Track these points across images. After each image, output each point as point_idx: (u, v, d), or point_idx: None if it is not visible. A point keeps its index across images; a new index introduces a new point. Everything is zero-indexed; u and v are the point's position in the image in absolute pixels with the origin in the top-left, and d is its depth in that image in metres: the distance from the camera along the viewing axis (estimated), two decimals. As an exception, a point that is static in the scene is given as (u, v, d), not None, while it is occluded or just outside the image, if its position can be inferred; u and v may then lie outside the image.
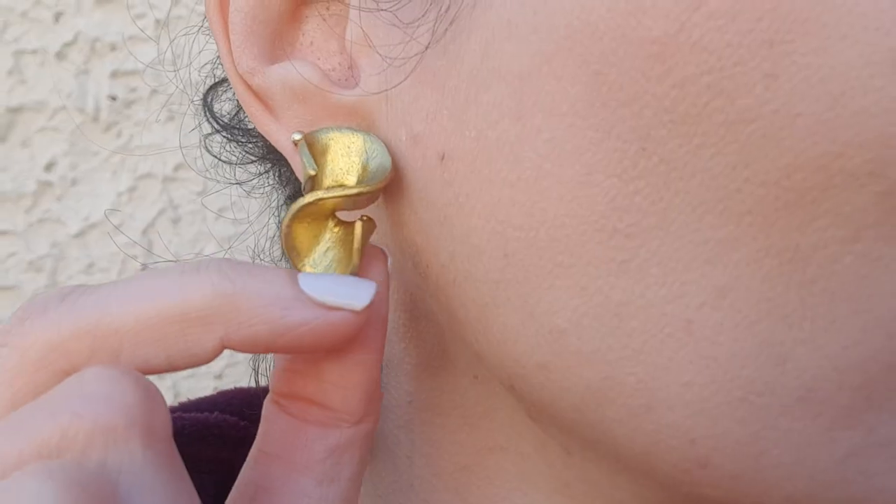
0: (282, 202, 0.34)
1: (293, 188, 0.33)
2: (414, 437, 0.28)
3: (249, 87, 0.25)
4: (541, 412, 0.24)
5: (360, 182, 0.24)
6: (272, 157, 0.33)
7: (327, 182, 0.24)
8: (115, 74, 0.54)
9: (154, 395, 0.20)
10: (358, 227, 0.24)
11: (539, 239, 0.21)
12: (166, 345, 0.21)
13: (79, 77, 0.54)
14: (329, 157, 0.24)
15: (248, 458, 0.24)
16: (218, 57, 0.33)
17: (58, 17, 0.54)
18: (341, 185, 0.24)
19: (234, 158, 0.35)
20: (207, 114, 0.34)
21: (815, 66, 0.19)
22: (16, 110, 0.54)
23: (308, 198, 0.23)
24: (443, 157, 0.23)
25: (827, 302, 0.20)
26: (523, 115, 0.21)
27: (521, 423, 0.26)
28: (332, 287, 0.22)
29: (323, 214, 0.24)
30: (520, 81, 0.21)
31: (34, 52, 0.54)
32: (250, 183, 0.35)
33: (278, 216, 0.35)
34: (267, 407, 0.24)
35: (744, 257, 0.20)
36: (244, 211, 0.38)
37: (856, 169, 0.19)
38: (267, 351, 0.22)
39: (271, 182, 0.34)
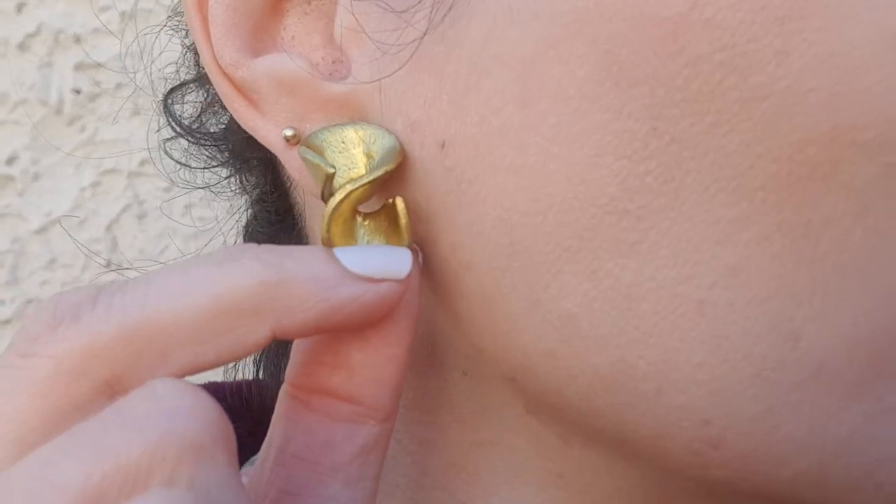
0: (245, 208, 0.34)
1: (258, 193, 0.32)
2: (400, 436, 0.28)
3: (231, 81, 0.25)
4: (542, 403, 0.24)
5: (369, 169, 0.23)
6: (235, 162, 0.32)
7: (339, 181, 0.24)
8: (79, 67, 0.53)
9: (222, 409, 0.19)
10: (400, 203, 0.23)
11: (546, 224, 0.21)
12: (216, 341, 0.20)
13: (42, 69, 0.53)
14: (328, 159, 0.24)
15: (262, 459, 0.23)
16: (181, 59, 0.33)
17: (20, 7, 0.52)
18: (359, 177, 0.23)
19: (197, 162, 0.34)
20: (168, 117, 0.33)
21: (824, 43, 0.19)
22: (-24, 102, 0.53)
23: (339, 195, 0.23)
24: (443, 145, 0.22)
25: (837, 277, 0.20)
26: (528, 100, 0.21)
27: (513, 418, 0.26)
28: (371, 259, 0.22)
29: (350, 211, 0.24)
30: (523, 67, 0.21)
31: (-5, 42, 0.53)
32: (217, 185, 0.35)
33: (246, 222, 0.35)
34: (285, 402, 0.23)
35: (755, 235, 0.20)
36: (211, 208, 0.38)
37: (867, 141, 0.19)
38: (317, 333, 0.21)
39: (233, 188, 0.34)
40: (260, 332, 0.20)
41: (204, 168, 0.34)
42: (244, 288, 0.20)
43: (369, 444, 0.23)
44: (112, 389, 0.19)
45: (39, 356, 0.19)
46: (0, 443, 0.18)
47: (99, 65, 0.53)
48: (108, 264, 0.55)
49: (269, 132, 0.25)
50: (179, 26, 0.33)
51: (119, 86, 0.53)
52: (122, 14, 0.51)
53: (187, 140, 0.33)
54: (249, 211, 0.34)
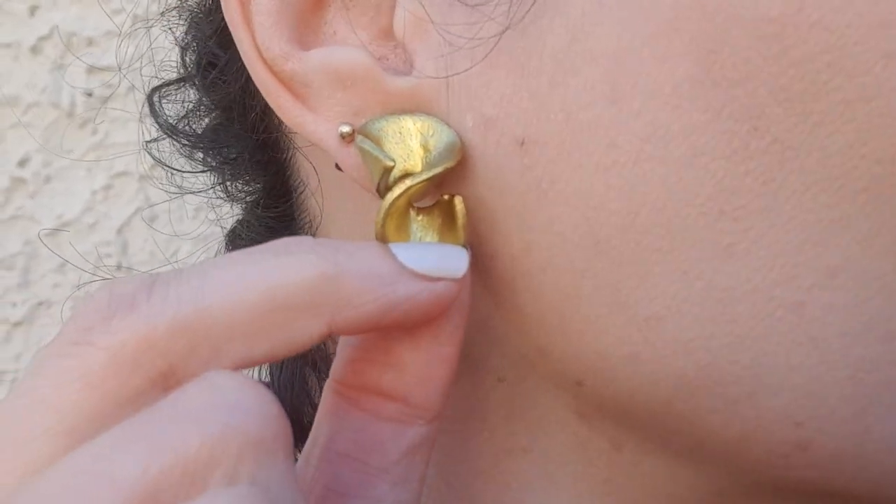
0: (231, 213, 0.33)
1: (255, 198, 0.31)
2: None
3: (276, 75, 0.24)
4: (604, 408, 0.24)
5: (426, 163, 0.23)
6: (221, 168, 0.31)
7: (395, 173, 0.23)
8: (91, 70, 0.53)
9: (280, 404, 0.18)
10: (459, 203, 0.23)
11: (637, 224, 0.21)
12: (270, 336, 0.19)
13: (54, 72, 0.53)
14: (386, 149, 0.23)
15: (307, 455, 0.23)
16: (166, 56, 0.33)
17: (33, 10, 0.53)
18: (415, 172, 0.23)
19: (191, 166, 0.33)
20: (154, 117, 0.32)
21: None
22: (-11, 105, 0.53)
23: (398, 189, 0.22)
24: (522, 142, 0.22)
25: None
26: (619, 97, 0.21)
27: (553, 423, 0.25)
28: (429, 256, 0.21)
29: (406, 206, 0.23)
30: (615, 64, 0.21)
31: (8, 45, 0.53)
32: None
33: (231, 230, 0.34)
34: (331, 400, 0.23)
35: (855, 236, 0.20)
36: (220, 211, 0.38)
37: None
38: (371, 330, 0.21)
39: (217, 194, 0.33)
40: (314, 328, 0.20)
41: (191, 172, 0.34)
42: (302, 282, 0.19)
43: (417, 445, 0.22)
44: (166, 382, 0.19)
45: (94, 346, 0.18)
46: (50, 434, 0.17)
47: (111, 68, 0.53)
48: (119, 267, 0.55)
49: (320, 127, 0.24)
50: (172, 24, 0.32)
51: (131, 88, 0.53)
52: (135, 17, 0.51)
53: (177, 141, 0.32)
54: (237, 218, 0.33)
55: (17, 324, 0.55)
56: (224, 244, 0.34)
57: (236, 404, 0.17)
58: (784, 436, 0.21)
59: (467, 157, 0.23)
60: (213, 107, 0.31)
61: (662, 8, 0.20)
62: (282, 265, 0.19)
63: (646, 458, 0.24)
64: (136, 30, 0.35)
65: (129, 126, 0.54)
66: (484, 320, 0.25)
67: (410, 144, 0.23)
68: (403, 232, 0.23)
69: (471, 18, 0.22)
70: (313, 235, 0.29)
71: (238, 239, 0.33)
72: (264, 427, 0.17)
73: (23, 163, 0.54)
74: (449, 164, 0.22)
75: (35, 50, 0.53)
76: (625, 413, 0.23)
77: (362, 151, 0.23)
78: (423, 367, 0.22)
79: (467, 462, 0.27)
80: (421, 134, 0.23)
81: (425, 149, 0.23)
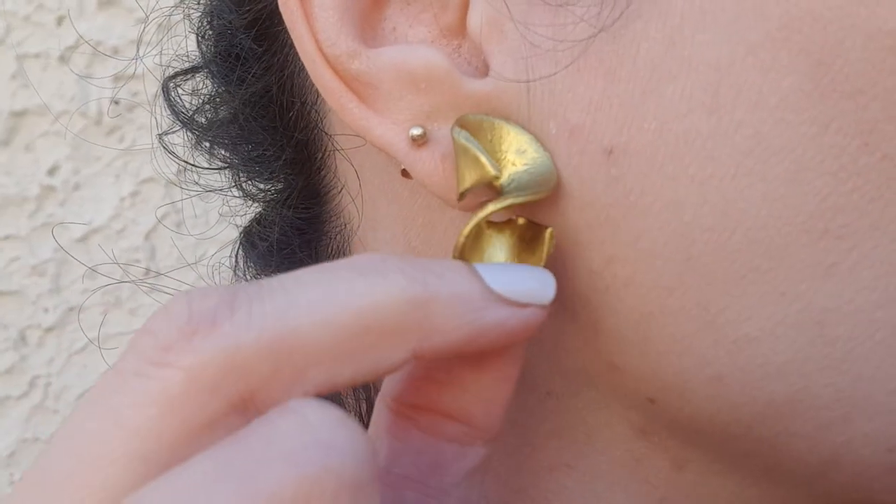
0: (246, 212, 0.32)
1: (283, 198, 0.30)
2: None
3: (338, 73, 0.22)
4: (675, 427, 0.23)
5: (516, 181, 0.21)
6: (237, 164, 0.30)
7: (470, 179, 0.22)
8: (117, 78, 0.54)
9: (373, 444, 0.17)
10: (549, 235, 0.22)
11: (733, 241, 0.20)
12: (355, 360, 0.18)
13: (81, 81, 0.54)
14: (479, 149, 0.22)
15: None
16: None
17: (60, 20, 0.54)
18: (509, 191, 0.21)
19: (210, 164, 0.32)
20: (167, 105, 0.31)
21: None
22: (19, 114, 0.54)
23: (497, 205, 0.21)
24: (610, 152, 0.21)
25: None
26: (719, 108, 0.20)
27: (606, 439, 0.24)
28: (518, 281, 0.20)
29: (485, 221, 0.22)
30: (716, 73, 0.20)
31: (37, 56, 0.54)
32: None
33: (246, 229, 0.33)
34: (388, 418, 0.22)
35: None
36: (234, 206, 0.37)
37: None
38: (455, 356, 0.20)
39: (234, 193, 0.32)
40: (400, 354, 0.18)
41: (208, 169, 0.33)
42: (390, 305, 0.18)
43: (477, 466, 0.21)
44: (245, 407, 0.17)
45: (173, 367, 0.17)
46: (125, 460, 0.16)
47: (137, 76, 0.54)
48: (147, 272, 0.56)
49: (387, 131, 0.22)
50: (189, 11, 0.32)
51: (157, 96, 0.54)
52: (159, 26, 0.51)
53: (192, 133, 0.31)
54: (253, 216, 0.32)
55: (49, 329, 0.56)
56: (239, 242, 0.33)
57: (331, 443, 0.16)
58: (874, 460, 0.21)
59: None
60: (236, 101, 0.30)
61: (770, 15, 0.20)
62: (371, 286, 0.18)
63: (710, 479, 0.24)
64: (157, 18, 0.34)
65: (155, 132, 0.54)
66: (542, 333, 0.23)
67: (506, 154, 0.22)
68: (477, 249, 0.22)
69: (556, 19, 0.21)
70: (348, 239, 0.28)
71: (255, 238, 0.32)
72: (360, 469, 0.16)
73: (52, 171, 0.55)
74: (543, 193, 0.21)
75: (63, 59, 0.54)
76: (697, 433, 0.22)
77: (460, 148, 0.22)
78: (486, 387, 0.21)
79: (505, 478, 0.26)
80: (517, 146, 0.22)
81: (515, 164, 0.22)
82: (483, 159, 0.21)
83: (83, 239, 0.56)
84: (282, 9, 0.23)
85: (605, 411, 0.24)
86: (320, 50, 0.22)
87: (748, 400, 0.21)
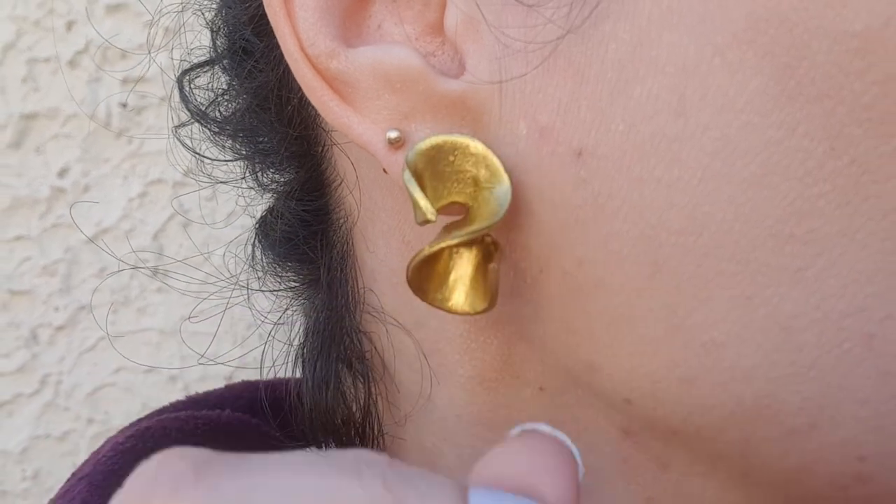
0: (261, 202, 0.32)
1: (289, 189, 0.30)
2: (461, 451, 0.26)
3: (321, 73, 0.22)
4: (652, 428, 0.23)
5: (475, 203, 0.21)
6: (251, 155, 0.30)
7: (438, 202, 0.22)
8: (125, 81, 0.55)
9: None
10: (492, 273, 0.21)
11: (700, 245, 0.20)
12: None
13: (90, 84, 0.55)
14: (437, 169, 0.22)
15: None
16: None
17: (70, 25, 0.54)
18: (467, 225, 0.21)
19: (221, 154, 0.32)
20: (182, 100, 0.31)
21: None
22: (30, 117, 0.55)
23: (440, 244, 0.21)
24: (580, 153, 0.21)
25: None
26: (686, 110, 0.20)
27: (594, 437, 0.24)
28: None
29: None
30: (683, 74, 0.19)
31: (47, 60, 0.55)
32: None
33: (262, 218, 0.33)
34: None
35: None
36: (248, 198, 0.37)
37: None
38: None
39: (248, 184, 0.32)
40: None
41: (221, 160, 0.33)
42: None
43: None
44: None
45: None
46: None
47: (145, 79, 0.54)
48: (156, 272, 0.57)
49: (366, 130, 0.22)
50: (202, 8, 0.32)
51: (164, 99, 0.55)
52: (167, 29, 0.52)
53: (205, 127, 0.31)
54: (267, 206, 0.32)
55: (60, 327, 0.57)
56: (254, 233, 0.33)
57: None
58: (845, 468, 0.20)
59: (520, 167, 0.21)
60: (245, 94, 0.30)
61: (736, 17, 0.19)
62: (343, 491, 0.15)
63: (694, 479, 0.23)
64: (164, 21, 0.34)
65: (163, 134, 0.55)
66: (528, 330, 0.24)
67: (470, 172, 0.22)
68: (442, 263, 0.22)
69: (528, 20, 0.21)
70: (349, 231, 0.28)
71: (269, 229, 0.32)
72: None
73: (63, 173, 0.56)
74: (496, 219, 0.21)
75: (72, 63, 0.55)
76: (674, 434, 0.22)
77: (407, 190, 0.21)
78: None
79: None
80: (476, 163, 0.21)
81: (476, 184, 0.22)
82: (417, 198, 0.21)
83: (93, 239, 0.56)
84: (266, 8, 0.23)
85: (591, 409, 0.24)
86: (302, 49, 0.22)
87: (717, 403, 0.21)
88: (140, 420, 0.33)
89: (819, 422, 0.20)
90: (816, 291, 0.19)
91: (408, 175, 0.21)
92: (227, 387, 0.37)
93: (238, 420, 0.33)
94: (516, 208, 0.22)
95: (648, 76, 0.20)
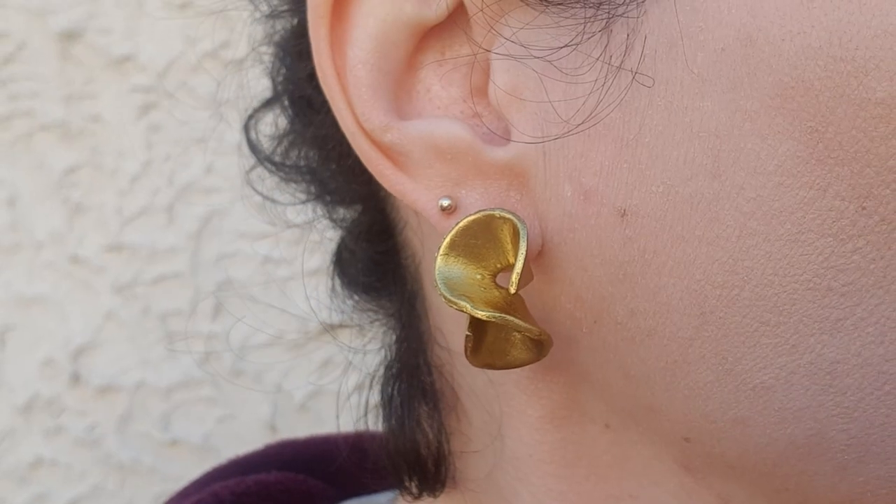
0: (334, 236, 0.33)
1: (358, 232, 0.31)
2: (535, 489, 0.27)
3: (377, 144, 0.24)
4: (713, 464, 0.24)
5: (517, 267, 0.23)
6: (320, 196, 0.31)
7: (489, 267, 0.23)
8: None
9: None
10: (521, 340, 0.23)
11: (742, 297, 0.21)
12: None
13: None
14: (479, 241, 0.23)
15: None
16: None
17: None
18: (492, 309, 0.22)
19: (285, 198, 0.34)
20: (248, 145, 0.33)
21: None
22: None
23: (484, 314, 0.22)
24: (623, 214, 0.22)
25: None
26: (721, 172, 0.21)
27: (658, 471, 0.26)
28: None
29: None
30: (716, 139, 0.21)
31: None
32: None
33: (337, 250, 0.34)
34: None
35: None
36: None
37: None
38: None
39: (322, 216, 0.33)
40: None
41: (292, 204, 0.34)
42: None
43: None
44: None
45: None
46: None
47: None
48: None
49: (421, 196, 0.24)
50: (262, 58, 0.33)
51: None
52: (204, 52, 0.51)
53: (272, 172, 0.33)
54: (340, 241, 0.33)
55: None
56: (332, 266, 0.34)
57: None
58: (892, 500, 0.22)
59: (569, 226, 0.23)
60: (310, 142, 0.31)
61: (765, 85, 0.20)
62: None
63: None
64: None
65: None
66: (589, 374, 0.25)
67: (500, 238, 0.23)
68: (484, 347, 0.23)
69: (567, 93, 0.22)
70: (415, 272, 0.30)
71: (345, 265, 0.33)
72: None
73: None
74: (519, 288, 0.22)
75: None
76: (732, 469, 0.24)
77: (454, 302, 0.23)
78: None
79: None
80: (508, 231, 0.23)
81: (513, 243, 0.23)
82: (458, 303, 0.22)
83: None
84: (322, 84, 0.24)
85: (654, 446, 0.26)
86: (357, 122, 0.24)
87: (770, 441, 0.22)
88: (187, 492, 0.34)
89: (865, 457, 0.22)
90: (856, 339, 0.21)
91: (441, 283, 0.23)
92: (266, 447, 0.38)
93: (287, 479, 0.35)
94: (567, 262, 0.23)
95: (684, 140, 0.21)
